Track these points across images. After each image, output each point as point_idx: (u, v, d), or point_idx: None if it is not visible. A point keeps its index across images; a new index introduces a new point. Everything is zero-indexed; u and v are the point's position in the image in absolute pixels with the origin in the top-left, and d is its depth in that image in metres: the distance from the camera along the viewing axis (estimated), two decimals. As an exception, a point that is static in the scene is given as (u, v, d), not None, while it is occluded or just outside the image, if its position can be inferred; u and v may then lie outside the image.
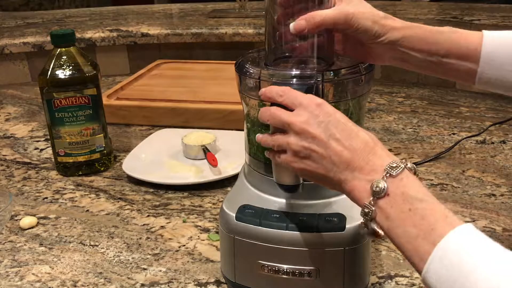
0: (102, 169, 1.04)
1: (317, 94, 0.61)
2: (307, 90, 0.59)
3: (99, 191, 0.97)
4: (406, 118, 1.29)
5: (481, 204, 0.88)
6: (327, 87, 0.64)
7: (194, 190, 0.95)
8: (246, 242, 0.64)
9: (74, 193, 0.96)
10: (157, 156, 1.06)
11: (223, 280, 0.71)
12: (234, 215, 0.65)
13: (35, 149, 1.15)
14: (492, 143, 1.12)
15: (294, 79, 0.62)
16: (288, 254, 0.63)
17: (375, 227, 0.51)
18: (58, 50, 0.97)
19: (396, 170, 0.50)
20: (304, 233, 0.62)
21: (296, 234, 0.62)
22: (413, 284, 0.70)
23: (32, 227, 0.85)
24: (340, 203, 0.64)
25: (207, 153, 1.01)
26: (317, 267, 0.62)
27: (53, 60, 0.97)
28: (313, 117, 0.54)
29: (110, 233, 0.83)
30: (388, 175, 0.50)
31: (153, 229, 0.84)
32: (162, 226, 0.85)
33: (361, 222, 0.52)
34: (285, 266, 0.63)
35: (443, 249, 0.45)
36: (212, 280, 0.72)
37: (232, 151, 1.04)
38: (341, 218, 0.62)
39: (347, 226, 0.61)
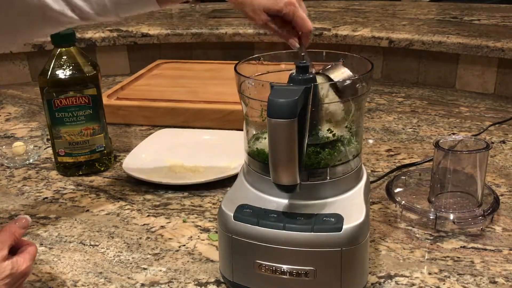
0: (102, 169, 1.04)
1: (314, 95, 0.61)
2: (305, 91, 0.59)
3: (99, 191, 0.97)
4: (406, 118, 1.29)
5: (480, 204, 0.89)
6: (326, 88, 0.64)
7: (194, 190, 0.95)
8: (244, 241, 0.64)
9: (74, 193, 0.97)
10: (157, 156, 1.06)
11: (223, 280, 0.71)
12: (232, 214, 0.65)
13: (35, 148, 1.15)
14: (492, 143, 1.13)
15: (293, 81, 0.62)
16: (285, 254, 0.63)
17: None
18: (58, 50, 0.97)
19: None
20: (301, 233, 0.62)
21: (293, 234, 0.62)
22: (413, 284, 0.70)
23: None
24: (338, 204, 0.65)
25: None
26: (315, 267, 0.62)
27: (53, 60, 0.97)
28: None
29: (110, 233, 0.84)
30: None
31: (153, 229, 0.84)
32: (162, 226, 0.85)
33: None
34: (282, 266, 0.63)
35: None
36: (212, 280, 0.72)
37: (232, 151, 1.04)
38: (339, 218, 0.62)
39: (344, 226, 0.62)
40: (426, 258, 0.75)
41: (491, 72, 1.44)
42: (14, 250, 0.64)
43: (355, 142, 0.67)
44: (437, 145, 0.83)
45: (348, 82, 0.65)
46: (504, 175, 0.99)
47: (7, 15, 0.71)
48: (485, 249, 0.77)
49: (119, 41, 1.69)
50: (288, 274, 0.63)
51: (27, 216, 0.67)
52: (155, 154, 1.07)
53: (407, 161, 1.04)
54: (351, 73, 0.66)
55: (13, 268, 0.61)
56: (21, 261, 0.62)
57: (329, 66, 0.68)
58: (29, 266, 0.63)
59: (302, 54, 0.71)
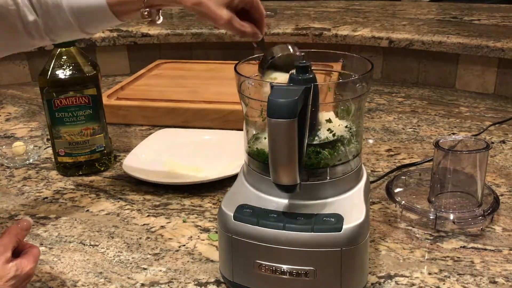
0: (102, 169, 1.04)
1: (314, 96, 0.61)
2: (305, 91, 0.59)
3: (99, 191, 0.97)
4: (406, 118, 1.29)
5: (480, 204, 0.89)
6: (326, 88, 0.64)
7: (194, 190, 0.95)
8: (244, 241, 0.64)
9: (74, 193, 0.97)
10: (157, 156, 1.06)
11: (223, 280, 0.71)
12: (232, 214, 0.65)
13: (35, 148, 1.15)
14: (492, 143, 1.13)
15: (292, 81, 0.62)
16: (285, 254, 0.63)
17: None
18: (58, 50, 0.97)
19: None
20: (301, 233, 0.62)
21: (293, 234, 0.62)
22: (413, 284, 0.70)
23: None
24: (338, 204, 0.65)
25: None
26: (315, 267, 0.62)
27: (53, 60, 0.97)
28: None
29: (110, 233, 0.84)
30: None
31: (153, 229, 0.84)
32: (162, 226, 0.85)
33: None
34: (282, 266, 0.63)
35: None
36: (212, 280, 0.72)
37: (232, 151, 1.04)
38: (339, 218, 0.62)
39: (344, 226, 0.62)
40: (426, 258, 0.75)
41: (491, 72, 1.44)
42: (17, 252, 0.64)
43: (355, 142, 0.67)
44: (437, 145, 0.83)
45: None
46: (504, 175, 0.99)
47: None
48: (485, 249, 0.77)
49: (119, 41, 1.69)
50: (288, 274, 0.63)
51: (29, 218, 0.67)
52: (155, 154, 1.07)
53: (407, 161, 1.04)
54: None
55: (18, 270, 0.61)
56: (25, 263, 0.62)
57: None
58: (33, 267, 0.63)
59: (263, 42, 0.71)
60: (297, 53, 0.69)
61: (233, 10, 0.71)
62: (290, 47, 0.70)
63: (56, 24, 0.74)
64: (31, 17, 0.72)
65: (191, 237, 0.82)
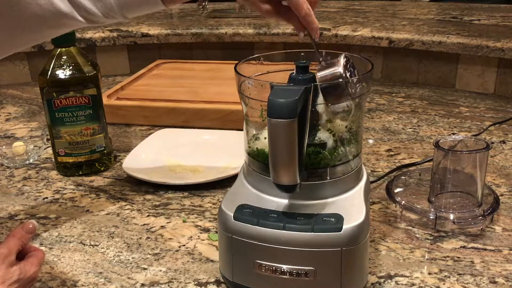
0: (102, 169, 1.04)
1: (314, 96, 0.61)
2: (305, 91, 0.59)
3: (99, 191, 0.97)
4: (406, 118, 1.29)
5: (480, 204, 0.89)
6: (325, 88, 0.64)
7: (194, 190, 0.95)
8: (244, 241, 0.64)
9: (74, 193, 0.97)
10: (157, 156, 1.06)
11: (223, 280, 0.71)
12: (232, 214, 0.65)
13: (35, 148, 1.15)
14: (492, 143, 1.13)
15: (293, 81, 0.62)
16: (285, 254, 0.63)
17: None
18: (58, 50, 0.97)
19: None
20: (301, 233, 0.62)
21: (293, 234, 0.62)
22: (413, 284, 0.70)
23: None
24: (338, 204, 0.65)
25: None
26: (315, 267, 0.62)
27: (53, 60, 0.97)
28: None
29: (110, 233, 0.84)
30: None
31: (153, 229, 0.84)
32: (162, 226, 0.85)
33: None
34: (282, 266, 0.63)
35: None
36: (212, 280, 0.72)
37: (232, 151, 1.04)
38: (339, 218, 0.62)
39: (344, 226, 0.62)
40: (426, 258, 0.75)
41: (491, 72, 1.44)
42: (21, 256, 0.64)
43: (355, 142, 0.67)
44: (437, 145, 0.83)
45: (325, 84, 0.64)
46: (504, 175, 0.99)
47: (16, 17, 0.70)
48: (485, 249, 0.77)
49: (119, 41, 1.69)
50: (288, 274, 0.63)
51: (34, 221, 0.67)
52: (155, 154, 1.07)
53: (407, 161, 1.04)
54: (339, 73, 0.64)
55: (21, 273, 0.61)
56: (29, 266, 0.62)
57: (328, 62, 0.68)
58: (37, 271, 0.63)
59: (314, 44, 0.70)
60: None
61: (276, 2, 0.73)
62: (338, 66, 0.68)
63: (97, 8, 0.71)
64: (65, 8, 0.70)
65: (191, 237, 0.82)
